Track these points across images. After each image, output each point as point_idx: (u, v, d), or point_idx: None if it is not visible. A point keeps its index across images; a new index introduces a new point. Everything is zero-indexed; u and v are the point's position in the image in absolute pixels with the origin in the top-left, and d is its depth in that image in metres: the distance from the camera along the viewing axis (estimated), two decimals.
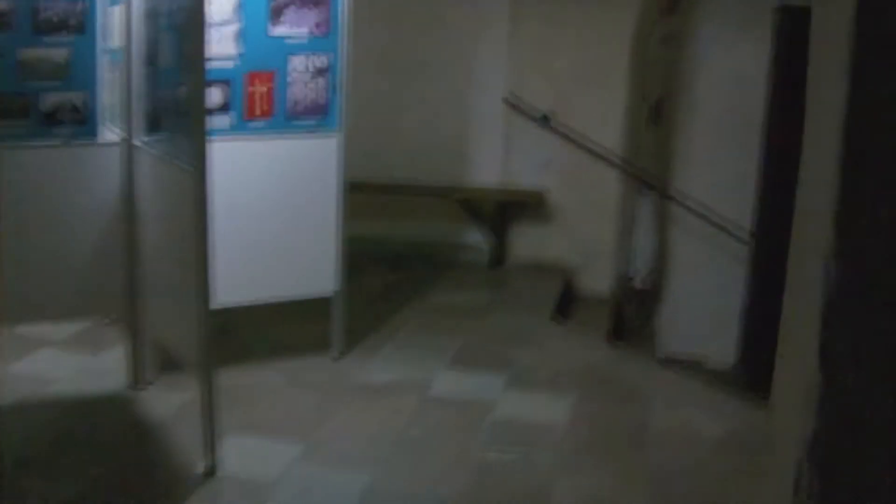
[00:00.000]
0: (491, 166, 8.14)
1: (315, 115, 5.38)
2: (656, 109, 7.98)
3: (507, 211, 8.12)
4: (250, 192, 5.27)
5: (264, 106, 5.25)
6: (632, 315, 8.13)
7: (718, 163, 7.97)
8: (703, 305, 8.17)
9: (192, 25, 4.03)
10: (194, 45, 4.00)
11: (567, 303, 7.60)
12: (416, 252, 8.11)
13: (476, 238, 8.27)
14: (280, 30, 5.21)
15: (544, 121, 7.83)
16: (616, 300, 7.94)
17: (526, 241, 8.15)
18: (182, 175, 4.19)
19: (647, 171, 7.98)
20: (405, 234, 8.23)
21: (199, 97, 4.02)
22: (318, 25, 5.28)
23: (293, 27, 5.23)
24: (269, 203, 5.35)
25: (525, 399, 5.41)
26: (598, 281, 7.96)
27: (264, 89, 5.22)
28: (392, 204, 8.10)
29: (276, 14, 5.17)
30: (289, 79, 5.28)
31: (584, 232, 8.01)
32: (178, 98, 4.27)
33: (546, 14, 7.82)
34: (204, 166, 4.02)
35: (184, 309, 4.40)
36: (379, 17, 7.63)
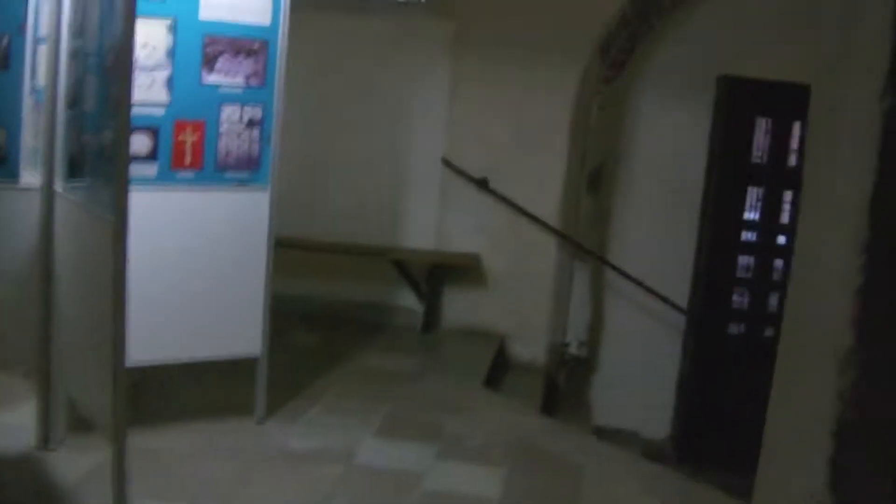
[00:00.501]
0: (425, 227, 7.99)
1: (246, 168, 5.18)
2: (595, 176, 8.00)
3: (440, 274, 7.94)
4: (174, 246, 5.04)
5: (193, 156, 5.04)
6: (565, 383, 8.03)
7: (657, 231, 8.11)
8: (638, 375, 8.25)
9: (119, 68, 3.82)
10: (120, 88, 3.79)
11: (500, 370, 7.43)
12: (345, 313, 7.88)
13: (408, 300, 8.08)
14: (213, 78, 5.02)
15: (483, 183, 7.68)
16: (549, 368, 7.83)
17: (460, 306, 7.97)
18: (101, 225, 3.95)
19: (585, 238, 7.94)
20: (334, 294, 7.99)
21: (123, 144, 3.79)
22: (252, 75, 5.11)
23: (227, 76, 5.05)
24: (194, 258, 5.11)
25: (456, 470, 5.19)
26: (531, 348, 7.86)
27: (194, 138, 5.02)
28: (321, 262, 7.87)
29: (210, 61, 4.99)
30: (220, 129, 5.08)
31: (518, 298, 7.87)
32: (102, 143, 4.04)
33: (487, 75, 7.73)
34: (125, 217, 3.78)
35: (98, 366, 4.14)
36: (314, 70, 7.52)
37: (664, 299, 7.95)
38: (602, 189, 8.05)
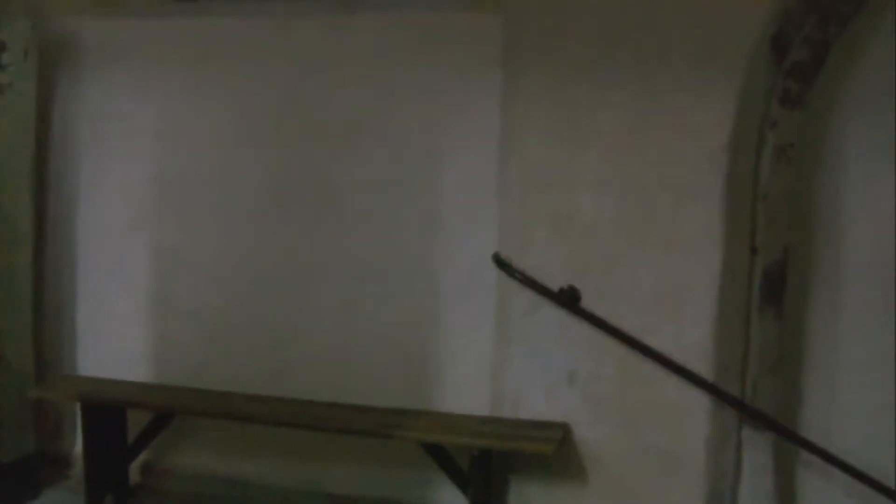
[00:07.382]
0: (473, 377, 5.36)
1: None
2: (776, 276, 5.16)
3: (503, 459, 5.12)
4: None
5: None
6: None
7: (880, 373, 5.17)
8: None
9: None
10: None
11: None
12: None
13: (450, 496, 5.35)
14: None
15: (568, 298, 4.89)
16: None
17: None
18: None
19: (760, 392, 5.15)
20: (328, 486, 5.59)
21: None
22: None
23: None
24: None
25: None
26: None
27: None
28: (309, 441, 5.42)
29: None
30: None
31: (640, 495, 5.12)
32: None
33: (565, 104, 4.93)
34: None
35: None
36: (269, 106, 5.39)
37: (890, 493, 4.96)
38: (787, 298, 5.12)
